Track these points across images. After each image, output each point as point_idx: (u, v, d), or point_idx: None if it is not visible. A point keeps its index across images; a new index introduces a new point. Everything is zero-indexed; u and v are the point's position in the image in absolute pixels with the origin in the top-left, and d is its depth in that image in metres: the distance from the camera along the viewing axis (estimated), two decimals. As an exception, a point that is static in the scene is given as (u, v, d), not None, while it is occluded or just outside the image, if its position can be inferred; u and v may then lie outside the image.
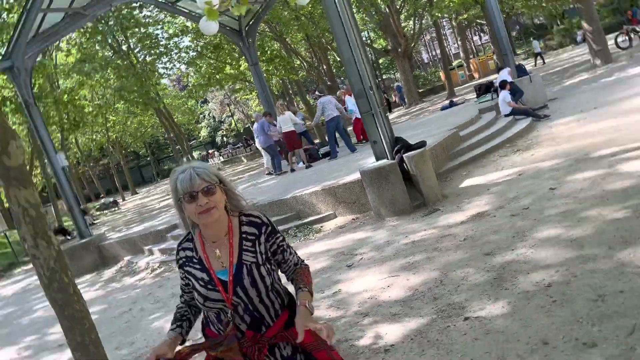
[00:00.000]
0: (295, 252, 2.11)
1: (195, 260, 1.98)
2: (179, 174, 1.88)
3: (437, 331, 3.45)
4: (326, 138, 14.23)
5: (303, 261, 2.13)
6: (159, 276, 8.19)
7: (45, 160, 15.77)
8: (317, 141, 17.50)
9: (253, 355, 1.91)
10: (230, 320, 1.91)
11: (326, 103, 12.50)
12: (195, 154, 40.63)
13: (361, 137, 13.41)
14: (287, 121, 12.11)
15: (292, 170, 12.31)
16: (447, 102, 18.94)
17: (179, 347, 2.08)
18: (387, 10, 24.28)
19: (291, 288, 2.09)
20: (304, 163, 12.41)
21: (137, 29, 19.68)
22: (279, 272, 2.11)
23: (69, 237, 15.11)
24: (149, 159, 51.55)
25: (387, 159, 7.09)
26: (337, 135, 12.75)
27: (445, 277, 4.31)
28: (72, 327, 2.77)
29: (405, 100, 28.84)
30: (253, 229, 1.98)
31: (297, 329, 1.82)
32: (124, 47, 21.80)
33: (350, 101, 12.93)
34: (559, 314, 3.10)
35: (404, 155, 6.87)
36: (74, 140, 28.83)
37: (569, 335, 2.86)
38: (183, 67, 26.64)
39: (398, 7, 25.82)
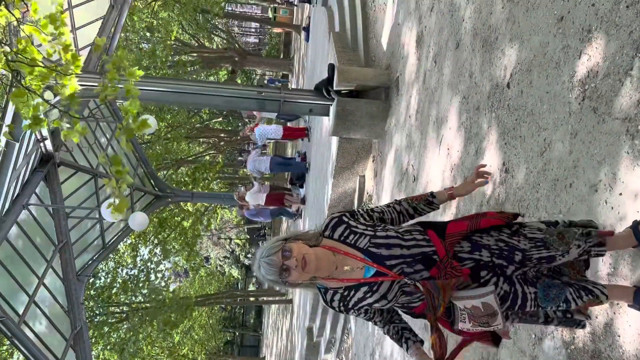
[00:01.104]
0: (378, 205, 2.16)
1: (346, 293, 1.98)
2: (259, 273, 1.95)
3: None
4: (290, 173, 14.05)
5: (391, 202, 2.19)
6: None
7: None
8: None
9: (454, 273, 1.93)
10: (414, 283, 1.92)
11: (254, 164, 12.12)
12: (252, 287, 40.59)
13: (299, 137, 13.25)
14: (256, 197, 12.12)
15: (297, 216, 12.42)
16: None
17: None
18: None
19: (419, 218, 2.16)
20: (295, 214, 12.52)
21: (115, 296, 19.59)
22: (395, 224, 2.15)
23: None
24: (236, 333, 51.10)
25: (330, 104, 7.11)
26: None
27: None
28: None
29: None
30: (340, 228, 2.01)
31: (464, 192, 2.14)
32: (125, 309, 21.77)
33: (261, 129, 12.29)
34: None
35: (333, 89, 6.89)
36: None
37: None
38: (167, 264, 26.68)
39: None
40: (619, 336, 2.35)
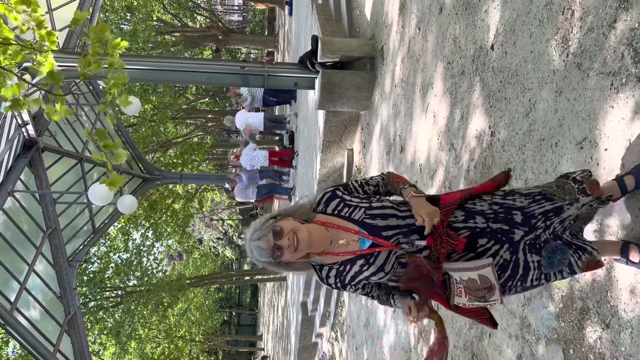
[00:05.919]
0: (372, 177, 2.09)
1: (342, 269, 1.93)
2: (252, 254, 1.88)
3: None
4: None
5: (384, 173, 2.12)
6: (344, 335, 8.24)
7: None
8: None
9: (450, 242, 1.87)
10: (409, 250, 1.86)
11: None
12: (247, 267, 40.74)
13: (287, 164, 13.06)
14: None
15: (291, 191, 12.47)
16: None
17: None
18: None
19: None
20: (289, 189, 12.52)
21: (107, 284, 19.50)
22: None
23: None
24: (233, 313, 51.34)
25: (315, 77, 7.01)
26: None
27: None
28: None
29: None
30: (334, 202, 1.96)
31: (416, 217, 1.86)
32: (119, 293, 21.78)
33: (248, 156, 12.06)
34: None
35: (318, 61, 6.78)
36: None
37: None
38: (160, 247, 26.60)
39: None
40: (607, 292, 2.34)
